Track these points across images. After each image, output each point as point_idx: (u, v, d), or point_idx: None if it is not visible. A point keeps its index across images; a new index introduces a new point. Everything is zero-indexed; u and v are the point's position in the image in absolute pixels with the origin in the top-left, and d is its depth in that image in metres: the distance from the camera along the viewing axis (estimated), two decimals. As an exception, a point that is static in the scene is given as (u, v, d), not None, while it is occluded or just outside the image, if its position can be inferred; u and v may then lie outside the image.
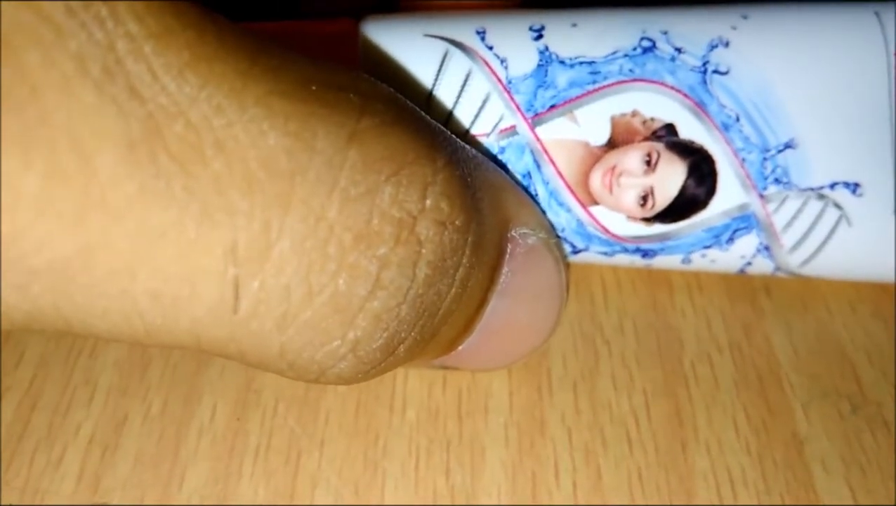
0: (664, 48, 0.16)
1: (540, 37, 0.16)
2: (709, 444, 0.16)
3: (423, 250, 0.12)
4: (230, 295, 0.11)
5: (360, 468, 0.15)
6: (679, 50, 0.16)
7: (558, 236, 0.16)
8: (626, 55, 0.16)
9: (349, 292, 0.11)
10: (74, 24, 0.09)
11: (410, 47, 0.16)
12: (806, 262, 0.17)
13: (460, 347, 0.15)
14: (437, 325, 0.13)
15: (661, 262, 0.17)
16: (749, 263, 0.17)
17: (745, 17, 0.16)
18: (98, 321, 0.11)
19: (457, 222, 0.12)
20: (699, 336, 0.18)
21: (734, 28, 0.16)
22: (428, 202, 0.12)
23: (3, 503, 0.15)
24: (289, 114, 0.11)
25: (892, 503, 0.15)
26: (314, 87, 0.11)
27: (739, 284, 0.19)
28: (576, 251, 0.17)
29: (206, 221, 0.10)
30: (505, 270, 0.14)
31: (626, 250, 0.17)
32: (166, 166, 0.10)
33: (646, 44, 0.16)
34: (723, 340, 0.18)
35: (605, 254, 0.17)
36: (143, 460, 0.16)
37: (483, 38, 0.16)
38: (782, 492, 0.15)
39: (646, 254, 0.17)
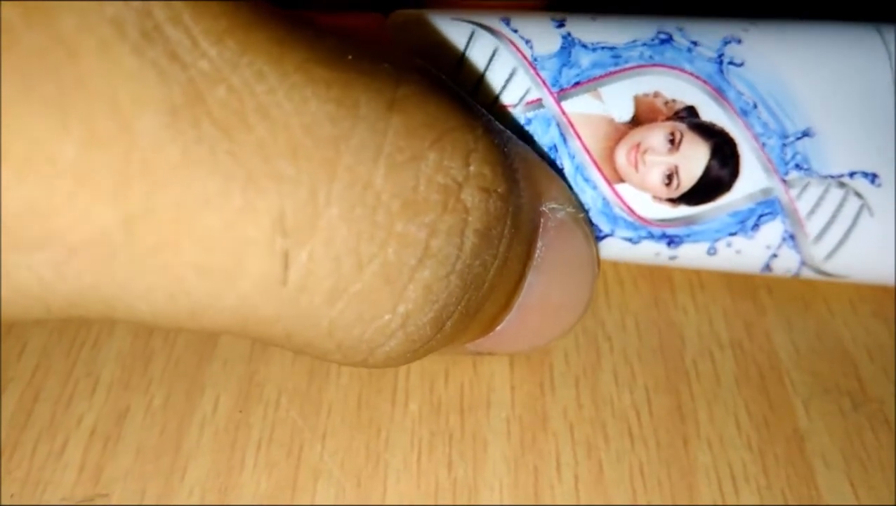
0: (680, 41, 0.17)
1: (562, 25, 0.17)
2: (710, 439, 0.16)
3: (470, 218, 0.12)
4: (279, 267, 0.11)
5: (363, 461, 0.15)
6: (695, 43, 0.17)
7: (586, 212, 0.16)
8: (644, 44, 0.17)
9: (399, 262, 0.11)
10: None
11: (437, 31, 0.17)
12: (831, 254, 0.17)
13: (498, 327, 0.15)
14: (482, 298, 0.13)
15: (686, 253, 0.17)
16: (775, 256, 0.17)
17: (754, 24, 0.17)
18: (141, 302, 0.10)
19: (499, 190, 0.12)
20: (701, 333, 0.18)
21: (745, 30, 0.17)
22: (471, 169, 0.12)
23: (4, 493, 0.15)
24: (329, 81, 0.11)
25: (893, 500, 0.15)
26: (350, 57, 0.11)
27: (741, 281, 0.19)
28: (600, 237, 0.17)
29: (251, 188, 0.10)
30: (539, 244, 0.14)
31: (651, 236, 0.17)
32: (209, 132, 0.10)
33: (663, 36, 0.17)
34: (724, 338, 0.18)
35: (630, 241, 0.17)
36: (145, 452, 0.16)
37: (508, 24, 0.17)
38: (783, 487, 0.15)
39: (671, 241, 0.17)
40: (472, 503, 0.15)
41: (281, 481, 0.15)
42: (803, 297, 0.18)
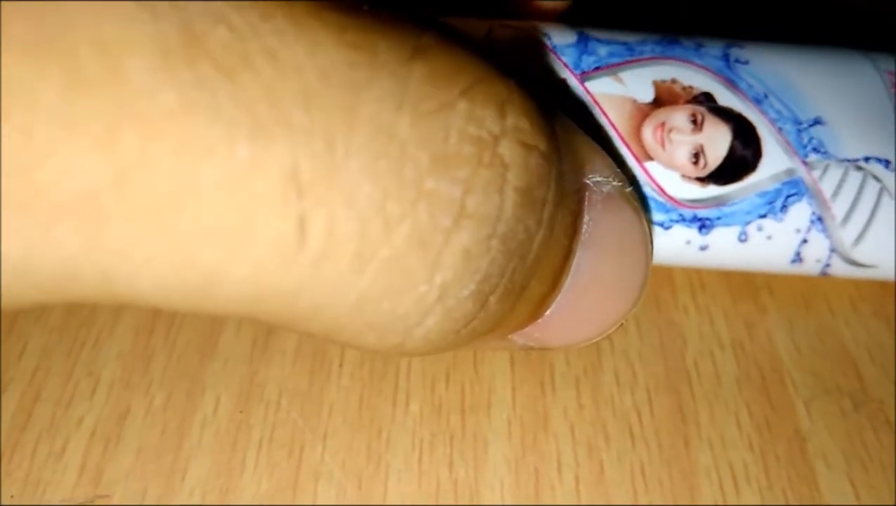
0: (687, 43, 0.17)
1: (575, 26, 0.18)
2: (711, 440, 0.16)
3: (509, 174, 0.10)
4: (294, 228, 0.09)
5: (364, 461, 0.15)
6: (700, 44, 0.17)
7: (634, 187, 0.16)
8: (654, 42, 0.17)
9: (432, 223, 0.10)
10: None
11: (456, 29, 0.17)
12: (859, 239, 0.17)
13: (547, 313, 0.13)
14: (528, 273, 0.11)
15: (717, 241, 0.17)
16: (805, 242, 0.17)
17: (752, 42, 0.18)
18: (143, 274, 0.09)
19: (541, 147, 0.11)
20: (702, 333, 0.18)
21: (745, 43, 0.18)
22: (508, 121, 0.10)
23: (4, 494, 0.15)
24: (345, 26, 0.10)
25: (894, 500, 0.15)
26: (366, 7, 0.10)
27: (741, 281, 0.19)
28: None
29: (259, 137, 0.09)
30: (586, 218, 0.13)
31: (683, 219, 0.17)
32: (209, 75, 0.09)
33: (670, 38, 0.18)
34: (725, 338, 0.18)
35: (662, 226, 0.17)
36: (146, 453, 0.16)
37: (522, 23, 0.18)
38: (784, 488, 0.15)
39: (703, 225, 0.17)
40: (474, 504, 0.15)
41: (282, 481, 0.15)
42: (804, 297, 0.18)
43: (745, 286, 0.19)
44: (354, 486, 0.15)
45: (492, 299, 0.11)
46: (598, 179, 0.13)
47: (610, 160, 0.14)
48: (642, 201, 0.17)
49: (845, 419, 0.16)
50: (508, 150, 0.10)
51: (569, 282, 0.13)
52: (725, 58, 0.17)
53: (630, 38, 0.17)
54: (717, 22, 0.19)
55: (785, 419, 0.16)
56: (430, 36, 0.10)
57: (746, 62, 0.17)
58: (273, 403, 0.16)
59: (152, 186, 0.09)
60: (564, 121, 0.13)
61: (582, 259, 0.13)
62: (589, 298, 0.13)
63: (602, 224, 0.13)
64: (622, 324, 0.14)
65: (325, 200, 0.09)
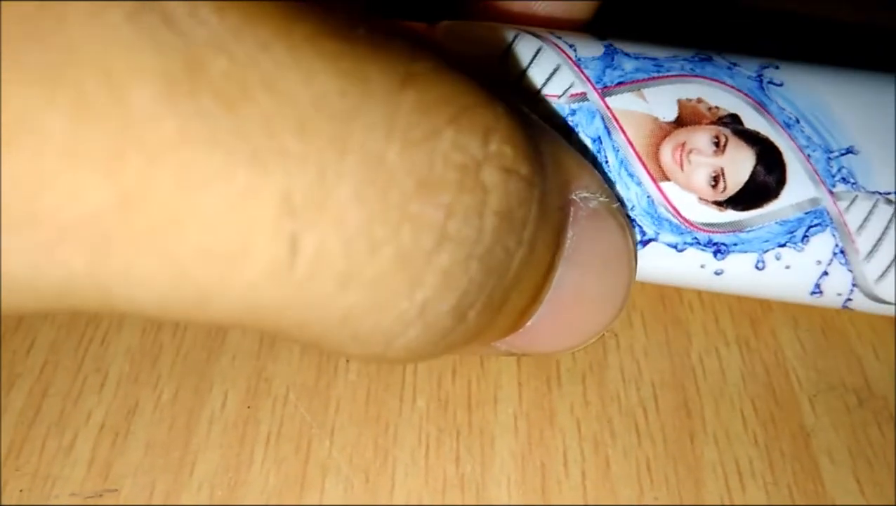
0: (720, 61, 0.17)
1: (604, 38, 0.17)
2: (717, 435, 0.16)
3: (489, 198, 0.11)
4: (286, 250, 0.10)
5: (371, 456, 0.16)
6: (734, 63, 0.17)
7: (623, 205, 0.16)
8: (685, 59, 0.17)
9: (415, 245, 0.11)
10: None
11: (481, 35, 0.17)
12: (883, 275, 0.16)
13: (529, 323, 0.14)
14: (508, 288, 0.12)
15: (733, 267, 0.17)
16: (826, 274, 0.16)
17: (786, 62, 0.17)
18: (141, 291, 0.10)
19: (522, 171, 0.11)
20: (707, 330, 0.18)
21: (780, 63, 0.17)
22: (491, 147, 0.11)
23: (14, 488, 0.15)
24: (339, 53, 0.10)
25: (899, 496, 0.15)
26: (361, 31, 0.10)
27: (746, 278, 0.19)
28: (643, 241, 0.17)
29: (256, 165, 0.09)
30: (570, 234, 0.13)
31: (697, 243, 0.16)
32: (210, 105, 0.09)
33: (702, 56, 0.17)
34: (730, 334, 0.18)
35: (675, 248, 0.17)
36: (154, 448, 0.16)
37: (552, 32, 0.17)
38: (790, 483, 0.15)
39: (718, 251, 0.16)
40: (480, 499, 0.15)
41: (289, 476, 0.15)
42: (809, 294, 0.19)
43: (750, 283, 0.19)
44: (361, 481, 0.15)
45: (471, 314, 0.12)
46: (585, 194, 0.13)
47: (598, 176, 0.14)
48: (628, 219, 0.16)
49: (850, 415, 0.16)
50: (490, 175, 0.11)
51: (550, 294, 0.14)
52: (759, 78, 0.17)
53: (660, 53, 0.17)
54: (755, 41, 0.19)
55: (790, 415, 0.16)
56: (422, 62, 0.11)
57: (780, 84, 0.17)
58: (281, 398, 0.16)
59: (154, 210, 0.09)
60: (554, 139, 0.14)
61: (564, 273, 0.13)
62: (570, 310, 0.14)
63: (586, 239, 0.13)
64: (604, 334, 0.15)
65: (316, 224, 0.10)
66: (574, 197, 0.13)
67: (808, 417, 0.16)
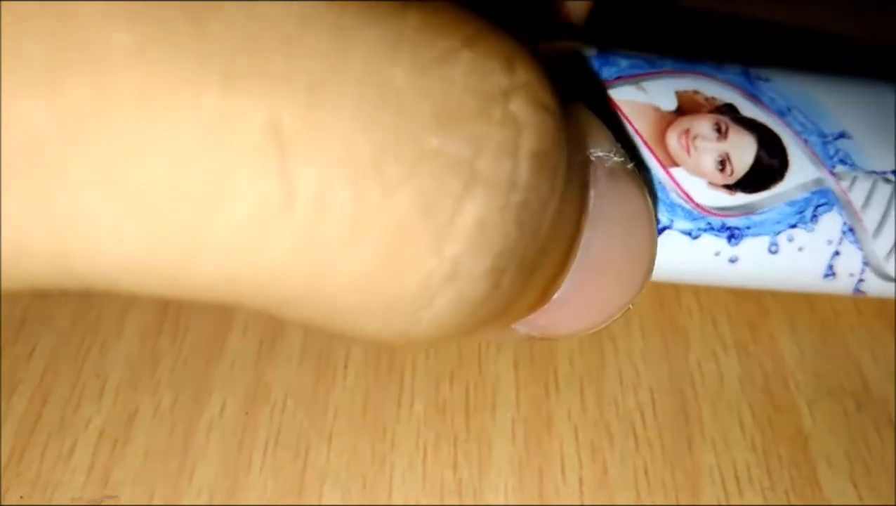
0: (706, 62, 0.18)
1: (593, 43, 0.18)
2: (714, 440, 0.16)
3: (523, 136, 0.09)
4: (278, 189, 0.08)
5: (369, 462, 0.16)
6: (720, 65, 0.18)
7: (634, 163, 0.16)
8: (675, 59, 0.18)
9: (439, 186, 0.09)
10: None
11: None
12: (892, 251, 0.17)
13: (555, 296, 0.12)
14: (539, 250, 0.10)
15: (747, 252, 0.17)
16: (837, 253, 0.17)
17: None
18: (106, 252, 0.08)
19: (552, 108, 0.10)
20: (705, 335, 0.18)
21: (762, 69, 0.18)
22: (518, 76, 0.09)
23: (14, 494, 0.15)
24: None
25: (897, 501, 0.15)
26: None
27: (745, 283, 0.19)
28: (658, 230, 0.17)
29: (233, 85, 0.08)
30: (591, 193, 0.12)
31: (711, 228, 0.16)
32: (168, 13, 0.08)
33: (689, 59, 0.18)
34: (728, 339, 0.18)
35: (690, 235, 0.17)
36: (154, 454, 0.16)
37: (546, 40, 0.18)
38: (787, 488, 0.15)
39: (732, 235, 0.16)
40: (478, 504, 0.15)
41: (288, 482, 0.15)
42: (807, 298, 0.19)
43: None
44: (359, 486, 0.15)
45: (504, 280, 0.10)
46: (600, 153, 0.12)
47: (610, 134, 0.13)
48: (645, 180, 0.16)
49: (848, 420, 0.16)
50: (521, 108, 0.09)
51: (577, 262, 0.12)
52: (746, 74, 0.17)
53: (650, 56, 0.18)
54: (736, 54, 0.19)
55: (788, 420, 0.16)
56: None
57: (767, 79, 0.17)
58: (279, 404, 0.16)
59: (105, 138, 0.08)
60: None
61: (590, 237, 0.12)
62: (597, 280, 0.12)
63: (607, 200, 0.12)
64: (629, 308, 0.14)
65: (313, 158, 0.08)
66: (590, 155, 0.12)
67: (807, 421, 0.16)
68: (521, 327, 0.12)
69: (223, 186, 0.08)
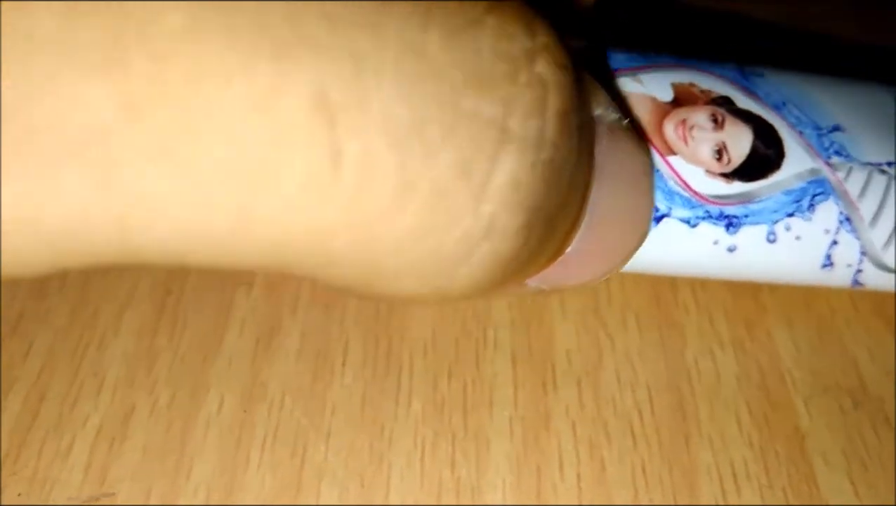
0: (701, 59, 0.18)
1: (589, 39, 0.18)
2: (711, 438, 0.16)
3: (549, 96, 0.10)
4: (327, 158, 0.09)
5: (366, 460, 0.16)
6: (714, 61, 0.18)
7: (630, 119, 0.16)
8: (670, 56, 0.18)
9: (475, 147, 0.09)
10: None
11: None
12: (889, 240, 0.17)
13: (568, 250, 0.13)
14: (561, 206, 0.11)
15: (746, 240, 0.17)
16: (835, 243, 0.17)
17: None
18: (162, 224, 0.09)
19: (570, 69, 0.10)
20: (702, 331, 0.18)
21: (756, 67, 0.18)
22: (540, 39, 0.10)
23: (11, 492, 0.15)
24: None
25: (893, 499, 0.15)
26: None
27: (742, 280, 0.19)
28: (657, 218, 0.17)
29: (281, 60, 0.08)
30: (595, 150, 0.13)
31: (709, 216, 0.17)
32: None
33: (684, 56, 0.18)
34: (725, 336, 0.18)
35: (688, 223, 0.17)
36: (151, 452, 0.16)
37: None
38: (784, 485, 0.15)
39: (730, 224, 0.17)
40: (476, 502, 0.15)
41: (285, 480, 0.15)
42: (804, 295, 0.19)
43: (746, 284, 0.19)
44: (357, 484, 0.15)
45: (532, 235, 0.10)
46: (600, 111, 0.13)
47: (606, 94, 0.13)
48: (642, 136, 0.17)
49: (845, 417, 0.16)
50: (546, 69, 0.10)
51: (587, 217, 0.13)
52: (740, 70, 0.18)
53: (648, 52, 0.18)
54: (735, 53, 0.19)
55: (785, 417, 0.16)
56: None
57: (761, 75, 0.18)
58: (276, 401, 0.16)
59: (165, 118, 0.08)
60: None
61: (597, 193, 0.12)
62: (605, 232, 0.13)
63: (610, 157, 0.13)
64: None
65: (359, 127, 0.09)
66: (593, 113, 0.13)
67: (803, 419, 0.16)
68: (533, 281, 0.13)
69: (275, 156, 0.09)
